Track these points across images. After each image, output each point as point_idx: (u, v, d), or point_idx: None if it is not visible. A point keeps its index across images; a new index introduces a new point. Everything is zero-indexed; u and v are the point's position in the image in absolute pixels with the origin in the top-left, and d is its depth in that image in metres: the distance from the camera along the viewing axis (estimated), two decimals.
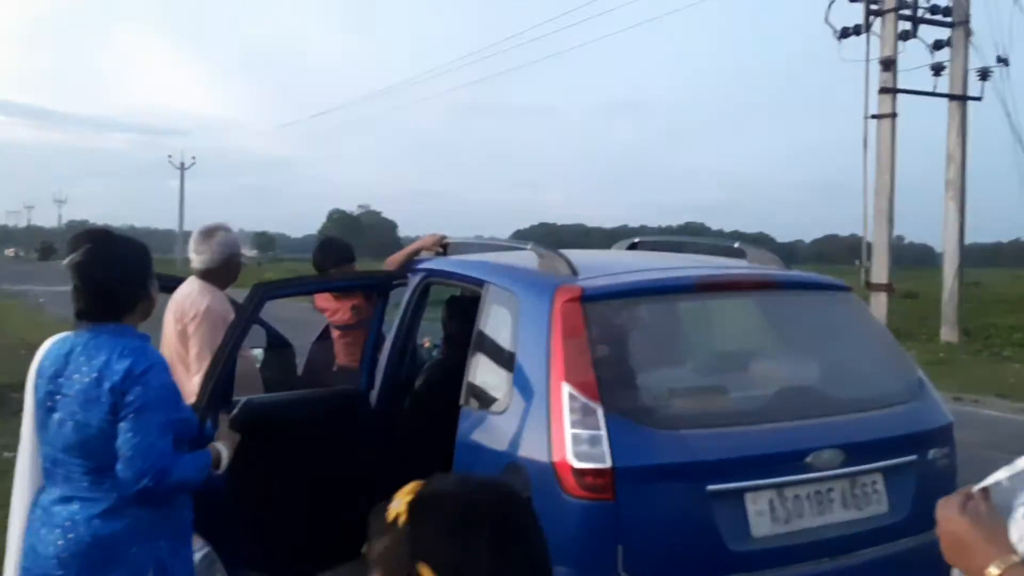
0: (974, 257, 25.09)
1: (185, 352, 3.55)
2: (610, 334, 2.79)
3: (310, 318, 4.97)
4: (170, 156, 62.10)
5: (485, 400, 2.89)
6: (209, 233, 3.74)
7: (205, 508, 3.02)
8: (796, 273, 3.34)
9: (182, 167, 61.54)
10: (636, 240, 4.19)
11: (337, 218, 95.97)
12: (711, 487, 2.50)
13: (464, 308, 3.81)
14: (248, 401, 3.18)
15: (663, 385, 2.87)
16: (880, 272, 14.27)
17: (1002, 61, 14.92)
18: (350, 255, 4.46)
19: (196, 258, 3.70)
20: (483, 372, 2.95)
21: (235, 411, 2.90)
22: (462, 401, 2.95)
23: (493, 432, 2.76)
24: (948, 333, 15.29)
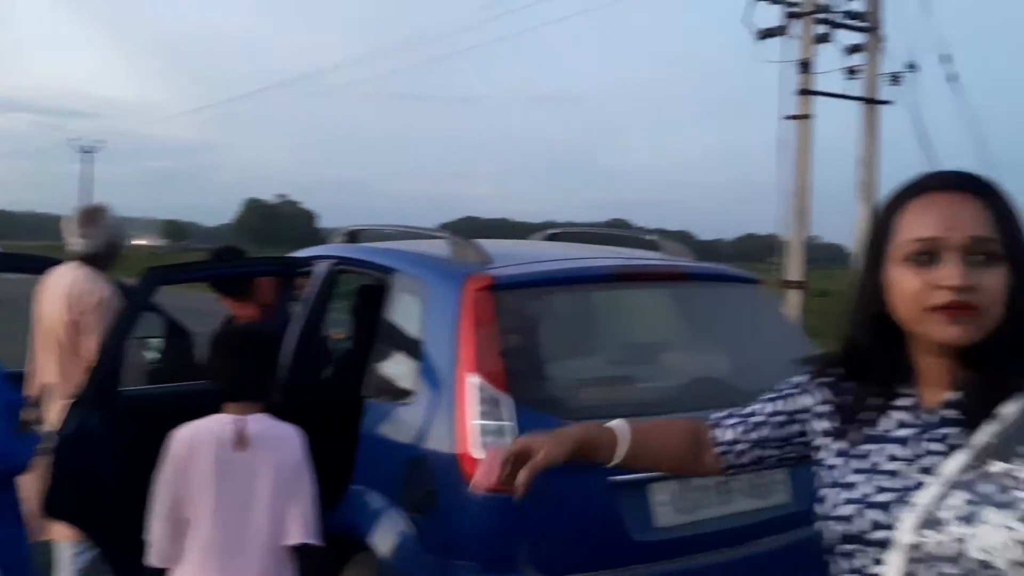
0: None
1: (71, 343, 3.32)
2: (521, 324, 2.73)
3: (211, 307, 4.74)
4: (74, 139, 59.55)
5: (390, 391, 2.80)
6: (94, 215, 3.52)
7: (94, 509, 2.84)
8: (708, 265, 3.35)
9: (85, 150, 58.87)
10: (556, 231, 4.14)
11: (254, 207, 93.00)
12: (613, 478, 2.46)
13: (376, 298, 3.70)
14: (131, 394, 3.01)
15: (572, 376, 2.84)
16: (794, 270, 14.68)
17: (911, 67, 15.51)
18: None
19: (81, 242, 3.46)
20: (389, 363, 2.87)
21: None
22: (365, 393, 2.85)
23: (398, 424, 2.69)
24: None
